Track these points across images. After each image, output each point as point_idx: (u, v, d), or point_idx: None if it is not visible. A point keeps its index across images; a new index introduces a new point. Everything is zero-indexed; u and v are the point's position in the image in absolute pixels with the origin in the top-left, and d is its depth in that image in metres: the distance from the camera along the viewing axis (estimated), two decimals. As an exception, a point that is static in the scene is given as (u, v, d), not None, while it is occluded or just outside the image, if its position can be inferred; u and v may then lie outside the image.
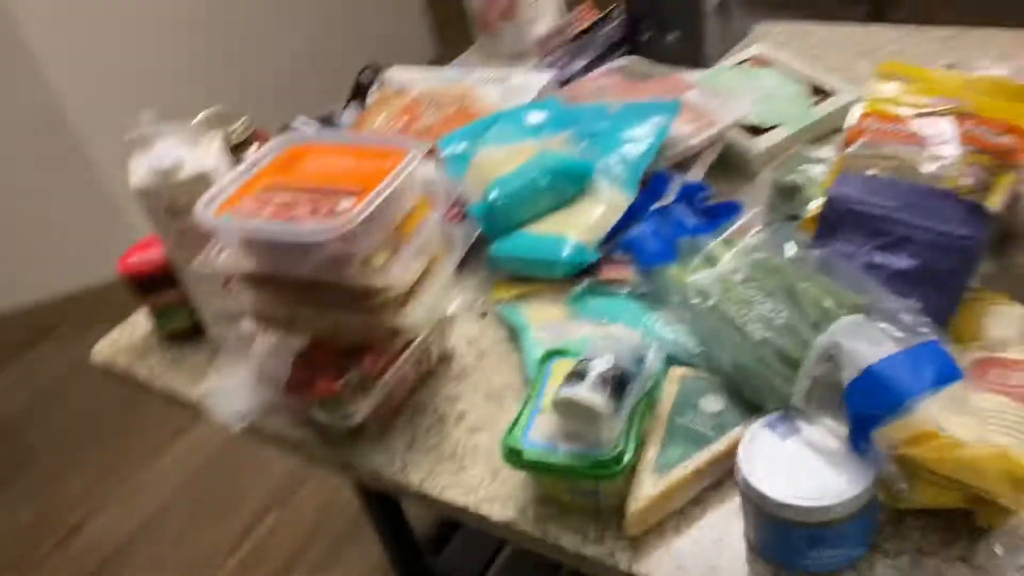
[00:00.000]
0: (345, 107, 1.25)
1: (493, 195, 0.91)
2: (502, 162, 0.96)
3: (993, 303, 0.70)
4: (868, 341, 0.60)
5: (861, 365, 0.59)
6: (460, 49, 1.50)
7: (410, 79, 1.28)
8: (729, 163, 1.03)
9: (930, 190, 0.70)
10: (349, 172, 0.77)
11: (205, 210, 0.74)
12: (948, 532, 0.63)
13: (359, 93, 1.25)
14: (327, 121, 1.22)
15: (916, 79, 0.80)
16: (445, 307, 0.84)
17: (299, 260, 0.72)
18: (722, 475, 0.69)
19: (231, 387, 0.84)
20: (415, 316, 0.76)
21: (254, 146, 1.01)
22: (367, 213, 0.70)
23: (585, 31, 1.35)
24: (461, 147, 1.04)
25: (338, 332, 0.78)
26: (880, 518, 0.64)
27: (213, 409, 0.84)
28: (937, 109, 0.76)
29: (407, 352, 0.81)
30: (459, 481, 0.77)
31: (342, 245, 0.71)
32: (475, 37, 1.46)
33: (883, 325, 0.62)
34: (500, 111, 1.09)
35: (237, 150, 0.99)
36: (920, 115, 0.77)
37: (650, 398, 0.72)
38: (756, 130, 1.04)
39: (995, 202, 0.70)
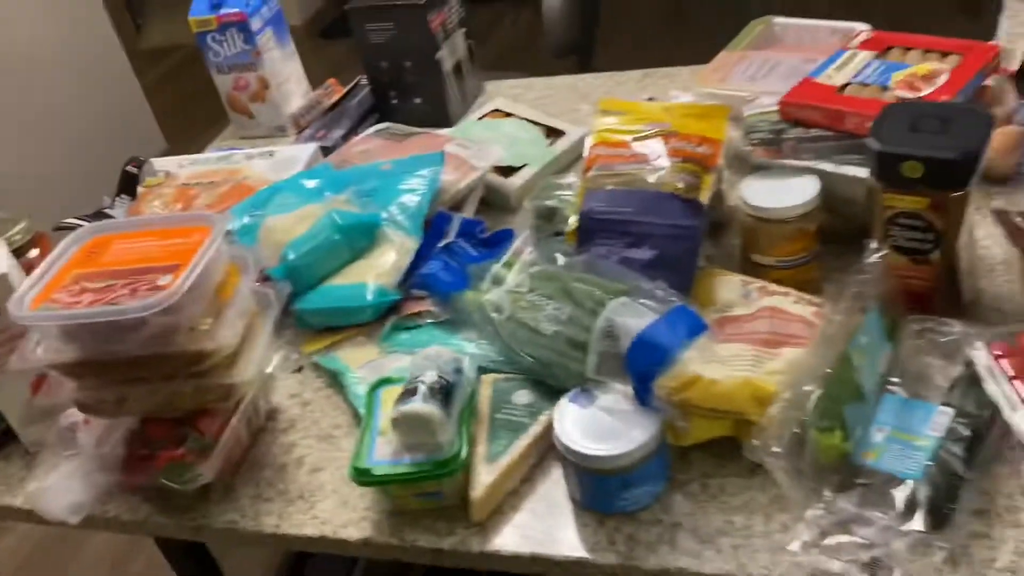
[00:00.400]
0: (114, 201, 1.27)
1: (291, 256, 0.99)
2: (292, 226, 1.03)
3: (718, 275, 0.89)
4: (634, 315, 0.76)
5: (632, 334, 0.74)
6: (186, 139, 1.55)
7: (175, 166, 1.32)
8: (491, 201, 1.18)
9: (656, 194, 0.88)
10: (158, 251, 0.82)
11: (19, 308, 0.75)
12: (722, 457, 0.79)
13: (127, 185, 1.27)
14: (101, 216, 1.23)
15: (628, 111, 0.99)
16: (268, 365, 0.90)
17: (127, 339, 0.76)
18: (543, 453, 0.82)
19: (60, 482, 0.84)
20: (246, 373, 0.82)
21: (35, 250, 1.01)
22: (191, 282, 0.75)
23: (336, 103, 1.47)
24: (246, 219, 1.10)
25: (173, 402, 0.82)
26: (672, 456, 0.79)
27: (44, 508, 0.84)
28: (648, 132, 0.95)
29: (239, 410, 0.86)
30: (312, 517, 0.83)
31: (169, 317, 0.76)
32: (232, 119, 1.52)
33: (643, 301, 0.78)
34: (276, 182, 1.17)
35: (18, 254, 0.99)
36: (637, 139, 0.95)
37: (471, 402, 0.83)
38: (508, 170, 1.20)
39: (705, 198, 0.90)
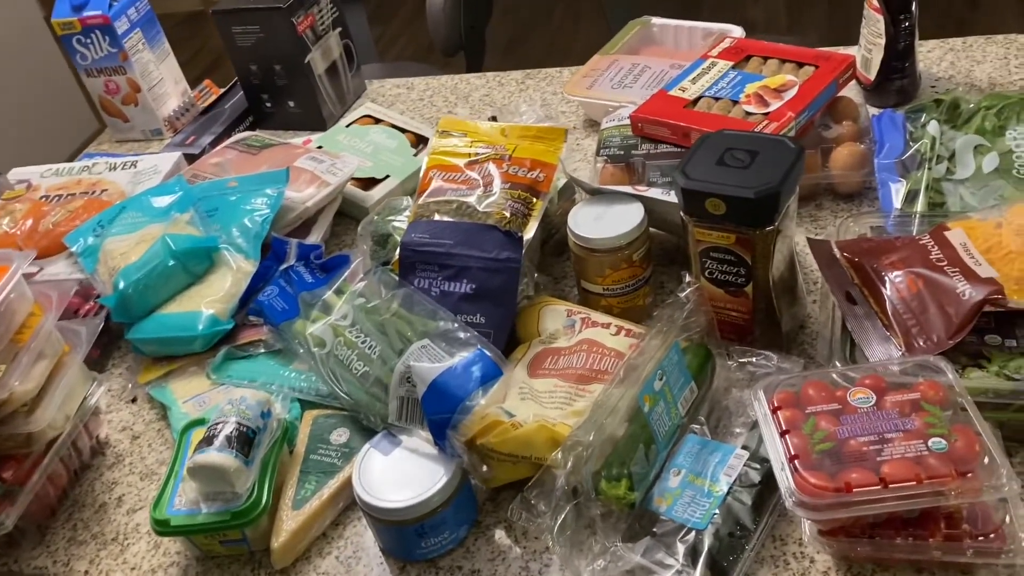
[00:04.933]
0: (-33, 215, 1.22)
1: (121, 284, 0.96)
2: (130, 250, 1.00)
3: (546, 304, 0.88)
4: (430, 360, 0.74)
5: (427, 380, 0.73)
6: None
7: (37, 176, 1.28)
8: (351, 214, 1.15)
9: (477, 226, 0.85)
10: (-47, 294, 0.78)
11: None
12: (534, 495, 0.78)
13: (-20, 199, 1.23)
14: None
15: (468, 132, 0.96)
16: (84, 402, 0.87)
17: (-91, 390, 0.74)
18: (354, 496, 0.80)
19: None
20: (46, 418, 0.79)
21: None
22: (-30, 334, 0.73)
23: (212, 105, 1.43)
24: (90, 240, 1.07)
25: (-29, 450, 0.79)
26: (481, 497, 0.78)
27: None
28: (483, 156, 0.93)
29: (51, 452, 0.83)
30: (123, 561, 0.81)
31: (-49, 368, 0.73)
32: (107, 122, 1.48)
33: (442, 344, 0.76)
34: (128, 198, 1.13)
35: None
36: (471, 163, 0.93)
37: (285, 443, 0.81)
38: (371, 182, 1.17)
39: (532, 225, 0.88)
